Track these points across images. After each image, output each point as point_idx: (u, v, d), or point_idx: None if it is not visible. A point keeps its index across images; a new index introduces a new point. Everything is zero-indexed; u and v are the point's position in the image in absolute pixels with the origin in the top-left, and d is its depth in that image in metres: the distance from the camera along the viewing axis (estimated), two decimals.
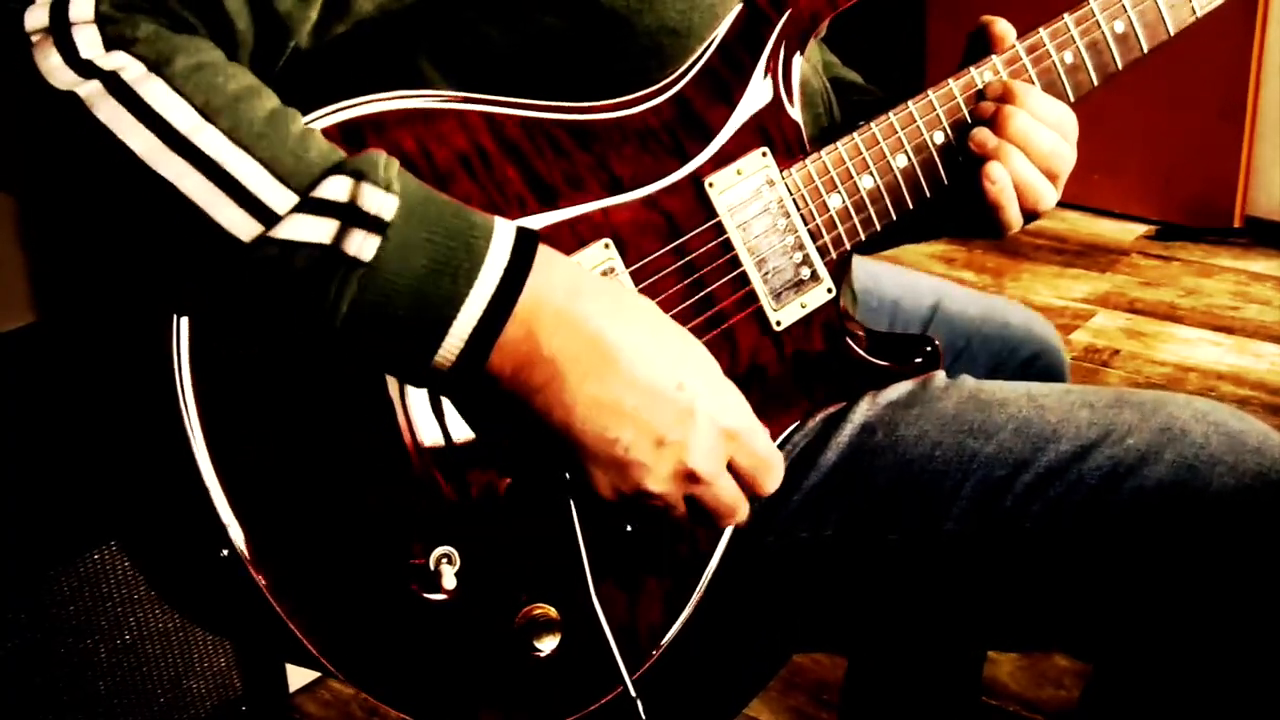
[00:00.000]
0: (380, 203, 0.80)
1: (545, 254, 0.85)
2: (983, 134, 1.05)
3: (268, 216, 0.79)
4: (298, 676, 1.90)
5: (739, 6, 1.03)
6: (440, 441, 0.92)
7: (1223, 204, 3.41)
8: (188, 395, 0.85)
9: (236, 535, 0.86)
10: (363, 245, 0.79)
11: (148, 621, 1.60)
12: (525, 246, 0.83)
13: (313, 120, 0.88)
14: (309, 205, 0.80)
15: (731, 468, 0.90)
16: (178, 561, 0.95)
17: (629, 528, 0.97)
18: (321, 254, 0.79)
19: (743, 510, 0.91)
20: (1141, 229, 3.52)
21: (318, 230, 0.80)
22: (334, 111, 0.89)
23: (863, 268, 1.35)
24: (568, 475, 0.90)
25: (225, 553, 0.86)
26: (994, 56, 1.09)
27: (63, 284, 0.98)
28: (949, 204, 1.09)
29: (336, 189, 0.80)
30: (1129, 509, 0.98)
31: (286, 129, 0.82)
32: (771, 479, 0.92)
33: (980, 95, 1.08)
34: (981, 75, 1.09)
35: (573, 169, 0.96)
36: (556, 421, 0.85)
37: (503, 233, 0.83)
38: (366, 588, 0.90)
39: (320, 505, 0.89)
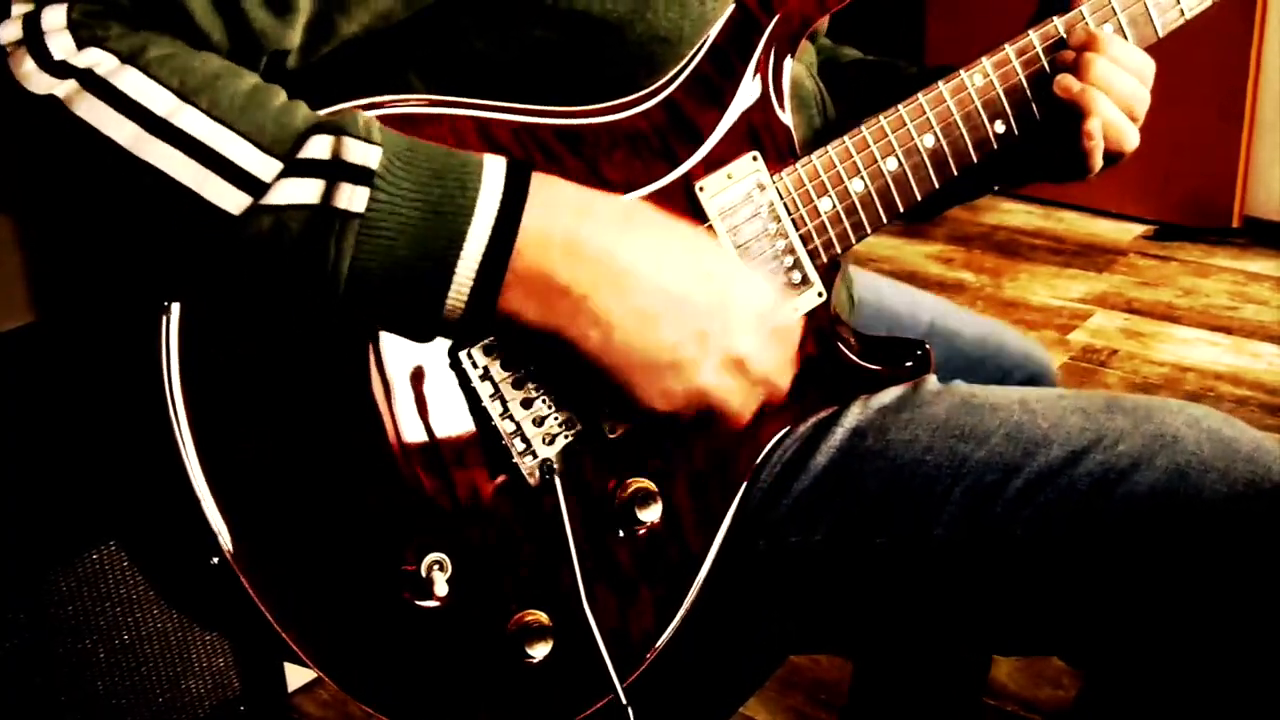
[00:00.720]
0: (364, 153, 0.81)
1: (540, 180, 0.86)
2: (1068, 79, 1.08)
3: (256, 186, 0.80)
4: (296, 676, 1.90)
5: (729, 10, 1.02)
6: (432, 446, 0.92)
7: (1221, 204, 3.41)
8: (177, 402, 0.85)
9: (226, 543, 0.86)
10: (352, 197, 0.80)
11: (146, 622, 1.60)
12: (518, 176, 0.84)
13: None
14: (294, 168, 0.81)
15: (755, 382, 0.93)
16: (173, 562, 0.95)
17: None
18: (313, 213, 0.80)
19: (786, 379, 0.96)
20: (1139, 229, 3.52)
21: (305, 191, 0.80)
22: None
23: (865, 282, 1.35)
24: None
25: (215, 560, 0.86)
26: (984, 59, 1.09)
27: (60, 285, 0.99)
28: (1039, 149, 1.12)
29: (319, 147, 0.81)
30: (1120, 515, 0.97)
31: (267, 102, 0.82)
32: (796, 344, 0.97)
33: (972, 97, 1.09)
34: (971, 79, 1.09)
35: (563, 173, 0.95)
36: (594, 347, 0.87)
37: (493, 166, 0.84)
38: (358, 595, 0.90)
39: (311, 512, 0.89)
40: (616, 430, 0.98)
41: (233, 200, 0.80)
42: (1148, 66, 1.12)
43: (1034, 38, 1.10)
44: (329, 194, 0.80)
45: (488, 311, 0.84)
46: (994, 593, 1.03)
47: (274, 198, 0.80)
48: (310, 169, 0.81)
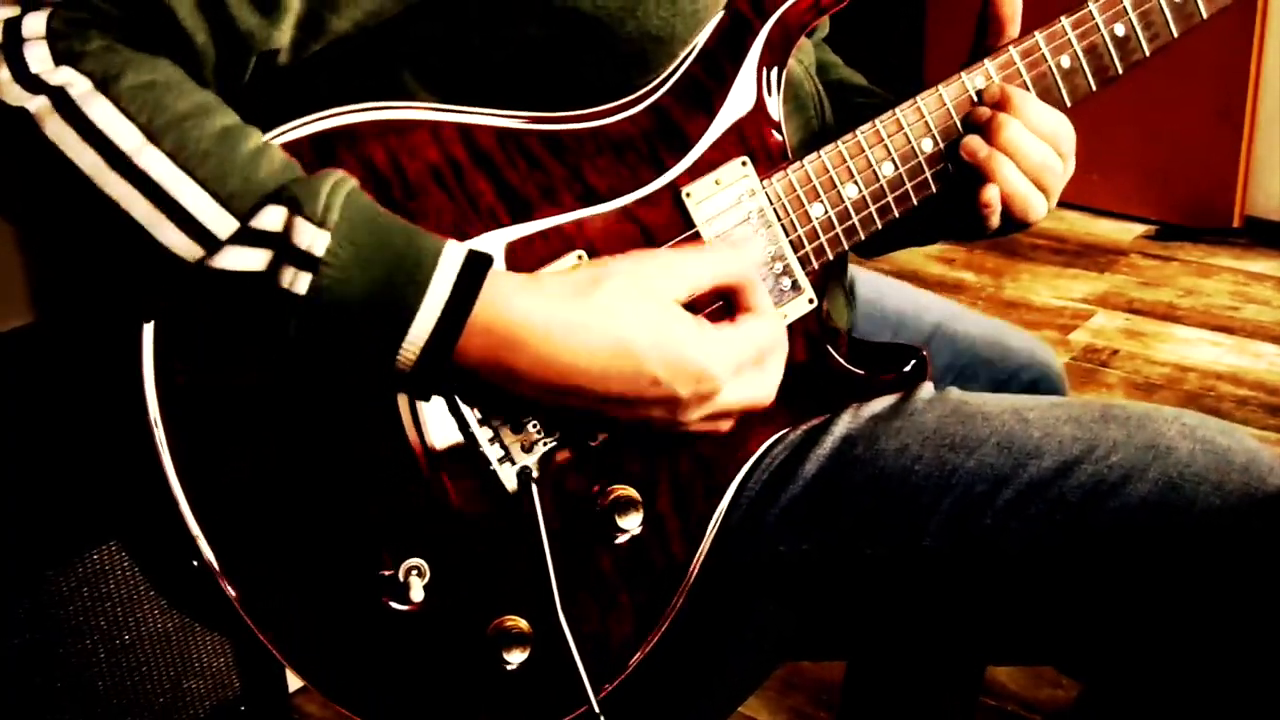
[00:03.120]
0: (311, 238, 0.80)
1: (503, 282, 0.85)
2: (974, 142, 1.05)
3: (209, 240, 0.80)
4: (297, 677, 1.91)
5: (720, 13, 1.01)
6: (410, 452, 0.92)
7: (1221, 204, 3.41)
8: (154, 407, 0.85)
9: (205, 547, 0.86)
10: (295, 280, 0.80)
11: (147, 622, 1.60)
12: (472, 273, 0.83)
13: (283, 133, 0.88)
14: (245, 235, 0.80)
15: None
16: (165, 563, 0.95)
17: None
18: (258, 283, 0.80)
19: (769, 399, 0.95)
20: (1140, 229, 3.51)
21: (253, 260, 0.80)
22: (305, 124, 0.88)
23: (868, 282, 1.34)
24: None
25: (196, 563, 0.86)
26: (986, 61, 1.07)
27: (57, 286, 0.99)
28: (941, 209, 1.09)
29: (271, 219, 0.80)
30: (1111, 528, 0.96)
31: (235, 149, 0.81)
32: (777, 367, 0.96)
33: (974, 100, 1.07)
34: (972, 81, 1.07)
35: (547, 180, 0.95)
36: (552, 403, 0.88)
37: (449, 260, 0.83)
38: (336, 599, 0.90)
39: (289, 517, 0.89)
40: (597, 438, 0.97)
41: (184, 248, 0.80)
42: (1064, 131, 1.08)
43: (1040, 38, 1.07)
44: (274, 269, 0.80)
45: (438, 378, 0.85)
46: (983, 604, 1.02)
47: (224, 261, 0.80)
48: (260, 240, 0.80)
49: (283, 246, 0.80)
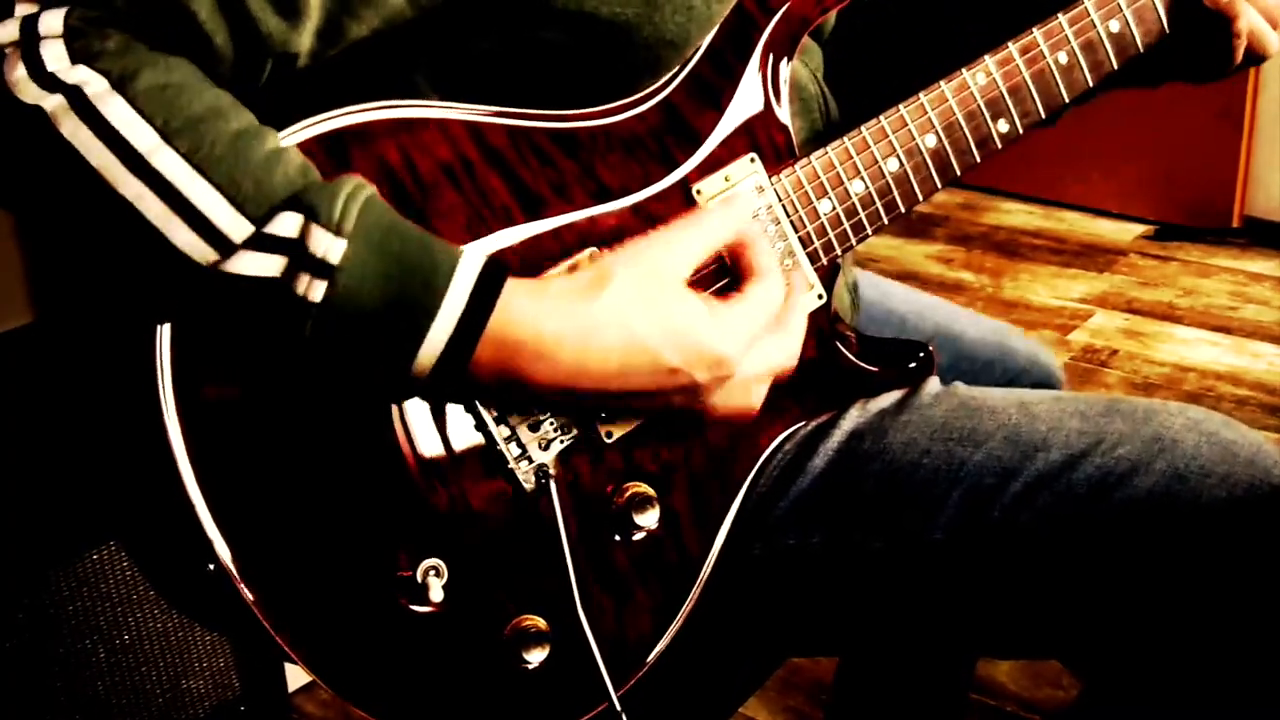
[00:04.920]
0: (327, 246, 0.80)
1: (512, 291, 0.85)
2: None
3: (223, 243, 0.80)
4: (296, 676, 1.90)
5: (726, 10, 1.01)
6: (427, 451, 0.92)
7: (1221, 204, 3.41)
8: (171, 409, 0.85)
9: (222, 549, 0.86)
10: (310, 288, 0.80)
11: (146, 622, 1.60)
12: (489, 283, 0.84)
13: (295, 131, 0.87)
14: (259, 241, 0.80)
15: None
16: (172, 565, 0.95)
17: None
18: (274, 290, 0.80)
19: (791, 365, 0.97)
20: (1140, 229, 3.52)
21: (267, 266, 0.80)
22: (317, 122, 0.88)
23: (871, 284, 1.35)
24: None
25: (211, 567, 0.86)
26: (987, 58, 1.08)
27: (59, 287, 0.99)
28: (1177, 52, 1.18)
29: (287, 226, 0.80)
30: (1118, 519, 0.97)
31: (251, 151, 0.81)
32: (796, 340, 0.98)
33: (975, 96, 1.08)
34: (974, 77, 1.08)
35: (559, 177, 0.96)
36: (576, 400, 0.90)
37: (465, 270, 0.83)
38: (354, 600, 0.90)
39: (306, 518, 0.89)
40: (613, 435, 0.97)
41: (198, 251, 0.79)
42: None
43: (1038, 35, 1.09)
44: (290, 275, 0.80)
45: (452, 387, 0.85)
46: (991, 596, 1.03)
47: (238, 265, 0.80)
48: (274, 246, 0.80)
49: (298, 253, 0.80)
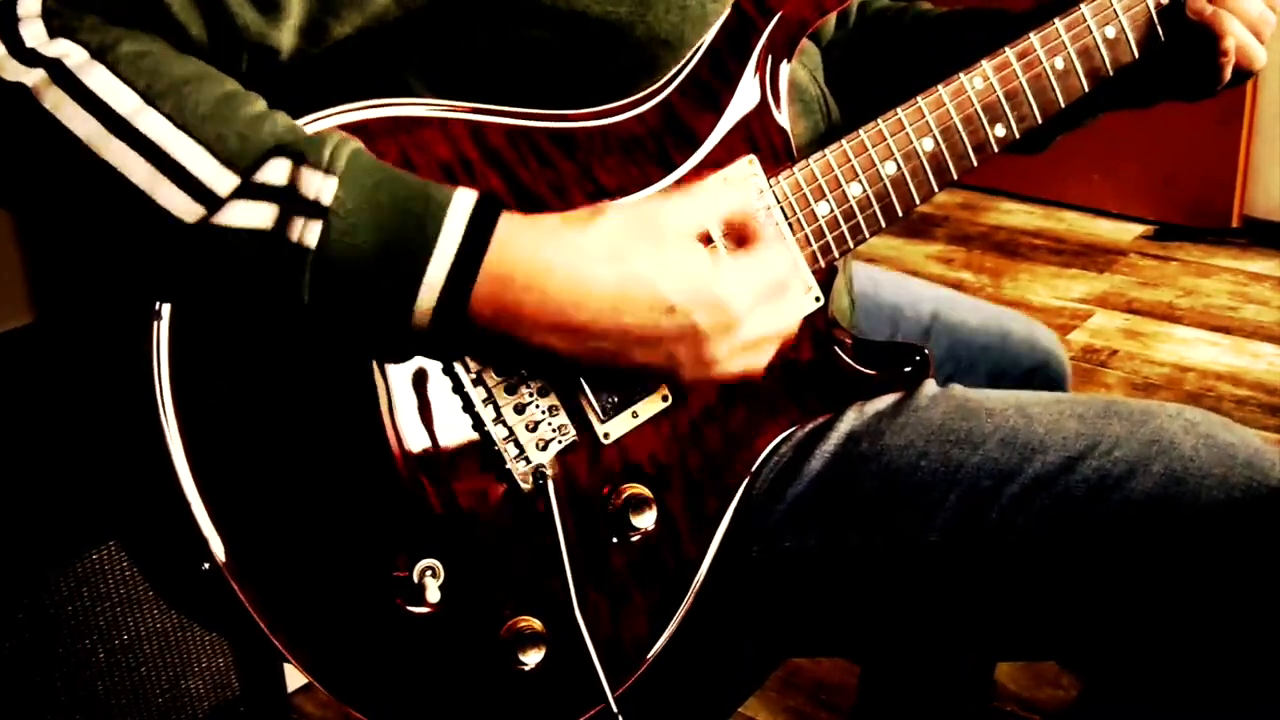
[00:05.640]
0: (318, 185, 0.79)
1: (507, 221, 0.84)
2: (1199, 2, 1.13)
3: (210, 199, 0.79)
4: (296, 676, 1.90)
5: (725, 12, 1.02)
6: (425, 451, 0.92)
7: (1221, 204, 3.41)
8: (168, 408, 0.85)
9: (218, 549, 0.86)
10: (304, 231, 0.79)
11: (146, 622, 1.60)
12: (483, 217, 0.83)
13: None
14: (248, 189, 0.79)
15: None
16: (169, 565, 0.95)
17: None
18: (266, 240, 0.79)
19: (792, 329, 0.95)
20: (1140, 229, 3.52)
21: (258, 215, 0.79)
22: (315, 120, 0.88)
23: (864, 274, 1.35)
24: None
25: (206, 566, 0.86)
26: (984, 62, 1.09)
27: (58, 285, 0.99)
28: (1171, 72, 1.18)
29: (276, 171, 0.80)
30: (1116, 521, 0.97)
31: (237, 111, 0.81)
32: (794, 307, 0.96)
33: (972, 100, 1.08)
34: (971, 82, 1.08)
35: (557, 178, 0.96)
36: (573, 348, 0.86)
37: (459, 205, 0.82)
38: (350, 601, 0.90)
39: (303, 518, 0.89)
40: (610, 435, 0.98)
41: (185, 208, 0.79)
42: None
43: (1035, 40, 1.10)
44: (282, 223, 0.79)
45: (453, 330, 0.83)
46: (989, 598, 1.03)
47: (228, 217, 0.79)
48: (265, 193, 0.79)
49: (289, 197, 0.79)
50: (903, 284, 1.40)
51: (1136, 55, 1.14)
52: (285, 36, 0.86)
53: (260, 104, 0.83)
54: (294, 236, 0.79)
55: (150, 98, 0.79)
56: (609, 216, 0.86)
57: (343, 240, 0.79)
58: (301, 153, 0.80)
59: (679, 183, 1.00)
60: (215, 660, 1.68)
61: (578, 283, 0.84)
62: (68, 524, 1.51)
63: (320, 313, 0.81)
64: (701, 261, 0.87)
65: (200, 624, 1.44)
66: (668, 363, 0.88)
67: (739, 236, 0.92)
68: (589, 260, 0.84)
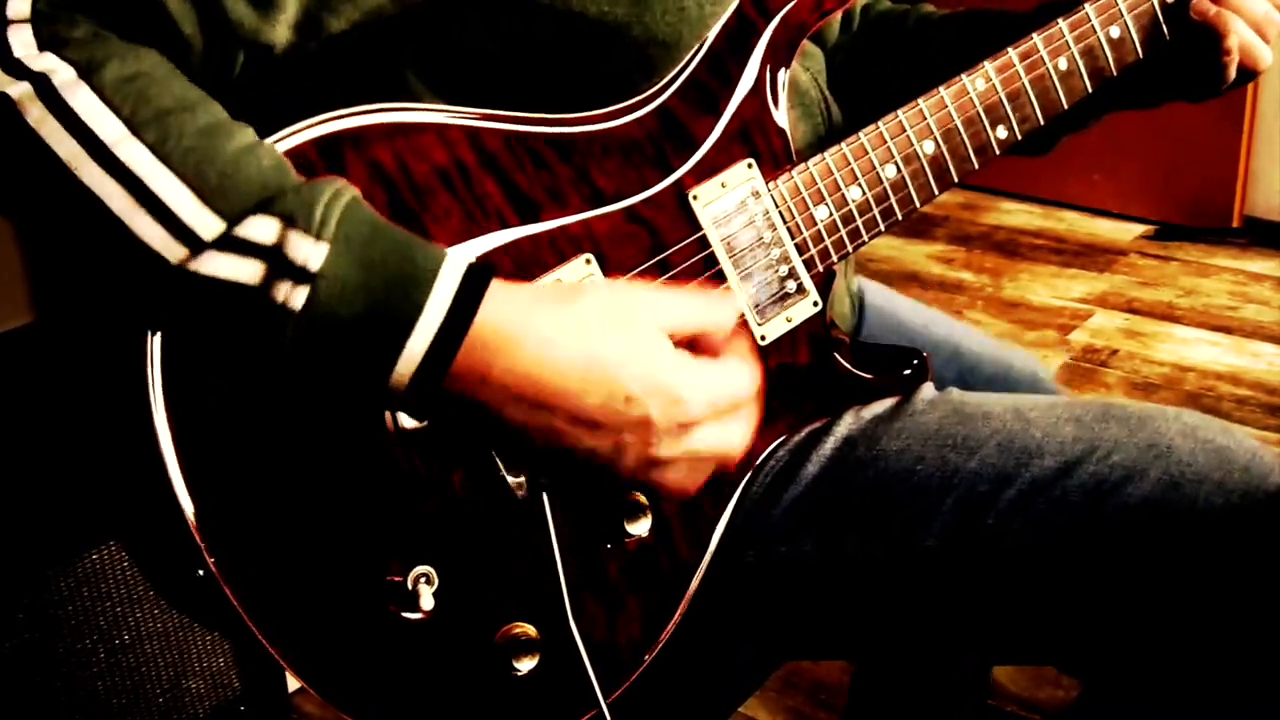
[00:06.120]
0: (307, 252, 0.78)
1: (493, 295, 0.83)
2: (1203, 3, 1.12)
3: (190, 238, 0.78)
4: (305, 686, 1.91)
5: (725, 15, 1.01)
6: (420, 458, 0.92)
7: (1221, 204, 3.41)
8: (161, 414, 0.85)
9: (212, 556, 0.86)
10: (290, 295, 0.78)
11: (146, 621, 1.60)
12: (472, 289, 0.82)
13: (289, 134, 0.87)
14: (232, 243, 0.78)
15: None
16: (167, 567, 0.95)
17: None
18: (251, 296, 0.78)
19: (736, 448, 0.89)
20: (1140, 229, 3.51)
21: (243, 271, 0.78)
22: (311, 126, 0.88)
23: (878, 293, 1.34)
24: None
25: (200, 572, 0.86)
26: (986, 63, 1.08)
27: (55, 287, 0.99)
28: (1171, 70, 1.17)
29: (262, 231, 0.79)
30: (1113, 527, 0.97)
31: (220, 145, 0.80)
32: (750, 415, 0.90)
33: (974, 102, 1.08)
34: (973, 83, 1.08)
35: (554, 182, 0.95)
36: (513, 434, 0.84)
37: (446, 278, 0.81)
38: (344, 607, 0.90)
39: (297, 524, 0.89)
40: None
41: (165, 246, 0.78)
42: None
43: (1038, 41, 1.09)
44: (268, 283, 0.78)
45: (428, 400, 0.83)
46: (986, 603, 1.02)
47: (208, 267, 0.78)
48: (249, 250, 0.78)
49: (277, 260, 0.78)
50: (918, 310, 1.39)
51: (1141, 55, 1.13)
52: (280, 32, 0.85)
53: (246, 136, 0.82)
54: (279, 297, 0.78)
55: (134, 125, 0.78)
56: (590, 299, 0.85)
57: (329, 304, 0.79)
58: (291, 214, 0.79)
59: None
60: (215, 660, 1.69)
61: (543, 354, 0.83)
62: (68, 524, 1.51)
63: (298, 364, 0.80)
64: (666, 355, 0.86)
65: (202, 625, 1.44)
66: (612, 452, 0.85)
67: (713, 347, 0.91)
68: (559, 335, 0.83)
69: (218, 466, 0.86)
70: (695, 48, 1.01)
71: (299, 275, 0.78)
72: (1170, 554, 0.96)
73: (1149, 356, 2.91)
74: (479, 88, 0.95)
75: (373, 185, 0.88)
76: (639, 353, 0.85)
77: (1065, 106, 1.12)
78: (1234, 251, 3.35)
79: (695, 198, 1.00)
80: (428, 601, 0.90)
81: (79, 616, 1.54)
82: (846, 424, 1.07)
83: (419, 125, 0.91)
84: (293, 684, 1.90)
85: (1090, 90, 1.12)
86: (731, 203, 1.02)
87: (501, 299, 0.83)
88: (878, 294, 1.34)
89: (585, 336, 0.84)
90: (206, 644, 1.67)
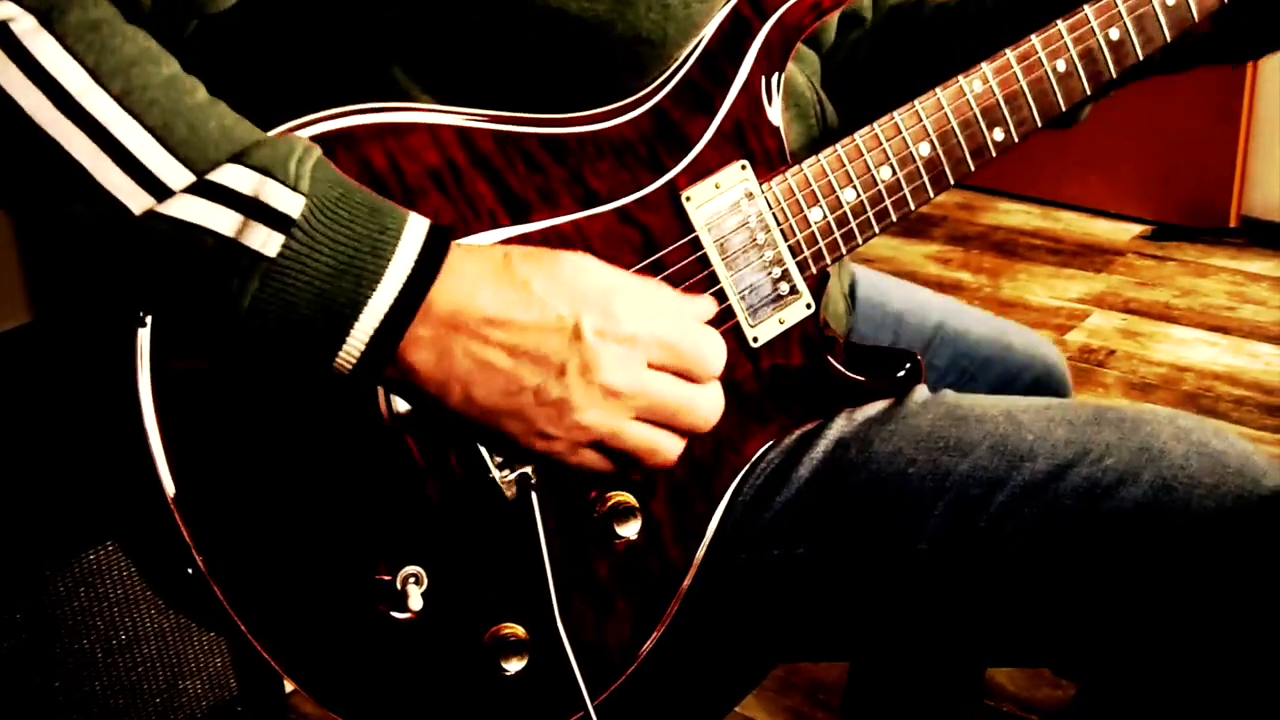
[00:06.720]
0: (287, 201, 0.78)
1: (457, 255, 0.82)
2: None
3: (158, 188, 0.77)
4: (294, 685, 1.91)
5: (721, 14, 1.01)
6: (408, 458, 0.91)
7: (1219, 204, 3.41)
8: (149, 410, 0.85)
9: (200, 556, 0.86)
10: (267, 241, 0.77)
11: (144, 622, 1.60)
12: (435, 246, 0.81)
13: (281, 133, 0.86)
14: (205, 189, 0.78)
15: (664, 369, 0.87)
16: (160, 566, 0.95)
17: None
18: (222, 244, 0.77)
19: (700, 408, 0.88)
20: (1137, 229, 3.52)
21: (217, 218, 0.77)
22: (302, 125, 0.88)
23: (869, 282, 1.34)
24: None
25: (190, 571, 0.86)
26: (983, 65, 1.08)
27: (53, 286, 0.99)
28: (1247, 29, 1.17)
29: (239, 179, 0.78)
30: (1106, 530, 0.96)
31: (183, 99, 0.79)
32: (707, 357, 0.88)
33: (970, 104, 1.08)
34: (970, 85, 1.07)
35: (546, 183, 0.95)
36: (458, 404, 0.83)
37: (412, 232, 0.81)
38: (332, 607, 0.90)
39: (285, 524, 0.89)
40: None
41: (131, 194, 0.77)
42: None
43: (1036, 43, 1.09)
44: (243, 230, 0.77)
45: (376, 376, 0.82)
46: (978, 606, 1.02)
47: (177, 210, 0.77)
48: (224, 197, 0.78)
49: (255, 207, 0.78)
50: (910, 293, 1.39)
51: (1141, 57, 1.12)
52: None
53: (202, 92, 0.81)
54: (254, 244, 0.77)
55: (99, 75, 0.77)
56: (536, 257, 0.85)
57: (302, 253, 0.78)
58: (267, 169, 0.79)
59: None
60: (213, 660, 1.69)
61: (479, 287, 0.82)
62: (67, 524, 1.51)
63: (253, 323, 0.79)
64: (605, 281, 0.85)
65: (199, 624, 1.45)
66: (559, 385, 0.83)
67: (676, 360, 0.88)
68: (499, 269, 0.83)
69: (206, 465, 0.86)
70: (690, 47, 1.00)
71: (278, 221, 0.78)
72: (1163, 557, 0.95)
73: (1146, 357, 2.92)
74: (467, 85, 0.95)
75: (364, 185, 0.88)
76: (571, 281, 0.84)
77: (1063, 109, 1.11)
78: (1231, 252, 3.35)
79: (688, 199, 1.00)
80: (416, 601, 0.90)
81: (76, 617, 1.54)
82: (839, 426, 1.07)
83: (411, 125, 0.91)
84: (290, 684, 1.90)
85: (1089, 93, 1.11)
86: (725, 204, 1.01)
87: (465, 250, 0.83)
88: (869, 283, 1.33)
89: (518, 270, 0.83)
90: (204, 645, 1.68)
